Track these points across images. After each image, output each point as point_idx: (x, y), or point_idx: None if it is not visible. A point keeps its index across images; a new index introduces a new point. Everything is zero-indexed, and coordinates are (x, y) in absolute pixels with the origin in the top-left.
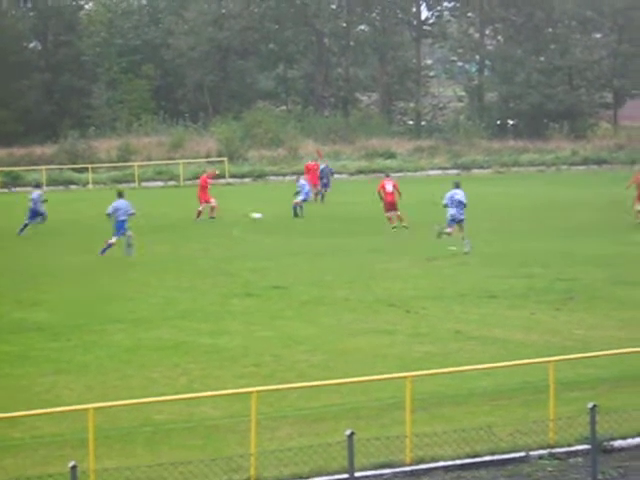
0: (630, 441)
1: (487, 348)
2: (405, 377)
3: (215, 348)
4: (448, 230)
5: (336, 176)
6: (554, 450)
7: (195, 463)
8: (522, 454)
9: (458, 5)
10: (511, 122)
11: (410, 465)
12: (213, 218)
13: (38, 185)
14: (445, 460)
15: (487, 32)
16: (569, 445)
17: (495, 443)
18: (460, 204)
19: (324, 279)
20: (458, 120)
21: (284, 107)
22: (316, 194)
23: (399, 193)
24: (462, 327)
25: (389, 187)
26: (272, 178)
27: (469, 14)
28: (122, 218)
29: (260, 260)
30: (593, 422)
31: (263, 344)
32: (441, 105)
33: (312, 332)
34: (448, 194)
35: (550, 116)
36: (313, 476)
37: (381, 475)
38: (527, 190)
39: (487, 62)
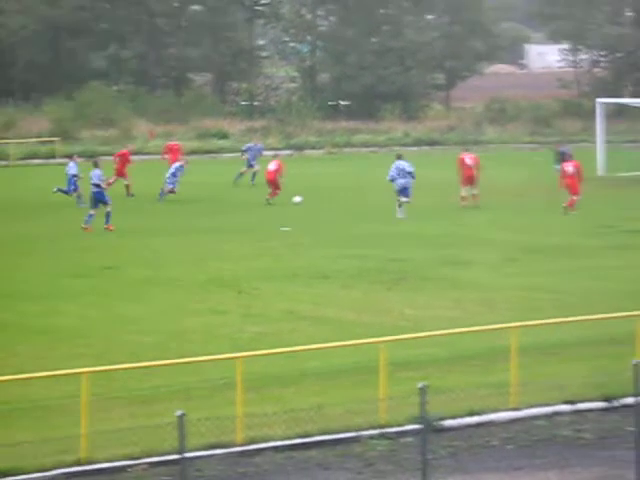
0: (460, 420)
1: (319, 328)
2: (236, 358)
3: (45, 329)
4: (404, 200)
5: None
6: (385, 430)
7: (25, 445)
8: (353, 434)
9: None
10: (343, 103)
11: (241, 445)
12: (132, 196)
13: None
14: (275, 440)
15: (319, 13)
16: (400, 425)
17: (326, 423)
18: (408, 174)
19: (156, 259)
20: (291, 101)
21: (116, 87)
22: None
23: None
24: (294, 307)
25: (271, 166)
26: (104, 158)
27: None
28: (94, 190)
29: (91, 240)
30: (423, 402)
31: (93, 324)
32: (274, 86)
33: (143, 312)
34: (393, 167)
35: (382, 97)
36: (144, 457)
37: (212, 455)
38: (358, 171)
39: (319, 43)
